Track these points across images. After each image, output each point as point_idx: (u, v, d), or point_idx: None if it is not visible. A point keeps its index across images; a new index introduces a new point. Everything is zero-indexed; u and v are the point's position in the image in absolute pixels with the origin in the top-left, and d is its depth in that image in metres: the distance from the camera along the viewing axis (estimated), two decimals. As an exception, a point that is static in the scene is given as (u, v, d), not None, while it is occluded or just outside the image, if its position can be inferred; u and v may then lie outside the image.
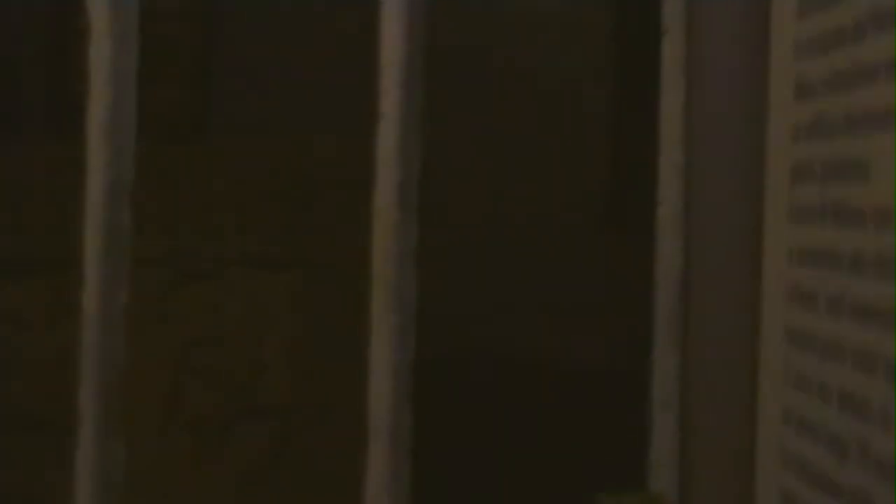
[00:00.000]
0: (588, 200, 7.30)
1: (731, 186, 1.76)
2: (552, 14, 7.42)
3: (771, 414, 1.62)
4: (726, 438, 1.75)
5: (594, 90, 7.38)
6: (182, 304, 3.72)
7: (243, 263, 3.95)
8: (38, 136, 7.12)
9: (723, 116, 1.76)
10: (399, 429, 1.78)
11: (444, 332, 6.95)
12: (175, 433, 3.34)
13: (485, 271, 7.16)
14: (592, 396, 6.02)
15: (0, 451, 3.13)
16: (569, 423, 5.90)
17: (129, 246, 1.80)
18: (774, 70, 1.64)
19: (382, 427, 1.77)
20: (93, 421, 1.78)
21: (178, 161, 3.96)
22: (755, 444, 1.70)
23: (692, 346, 1.79)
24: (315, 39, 7.25)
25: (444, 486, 4.98)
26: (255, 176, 3.97)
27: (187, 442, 3.32)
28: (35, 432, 3.27)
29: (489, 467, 5.47)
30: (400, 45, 1.77)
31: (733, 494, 1.74)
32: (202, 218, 3.95)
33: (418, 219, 1.79)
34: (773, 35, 1.65)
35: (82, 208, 1.84)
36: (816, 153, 1.53)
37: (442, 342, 6.90)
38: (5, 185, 3.85)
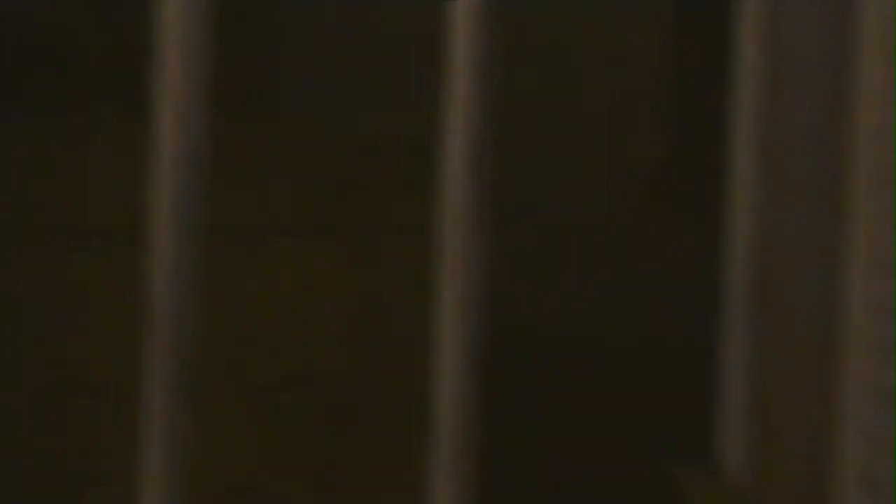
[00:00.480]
0: (648, 184, 7.24)
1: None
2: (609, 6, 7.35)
3: (853, 391, 1.59)
4: (803, 426, 1.72)
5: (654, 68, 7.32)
6: (243, 272, 3.72)
7: (304, 233, 3.93)
8: (104, 106, 7.15)
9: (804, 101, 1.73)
10: (462, 405, 1.77)
11: (505, 317, 6.93)
12: (234, 400, 3.36)
13: (545, 255, 7.14)
14: (661, 382, 5.98)
15: (66, 417, 3.17)
16: (636, 410, 5.86)
17: (198, 216, 1.81)
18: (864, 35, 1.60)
19: (445, 401, 1.76)
20: (160, 388, 1.80)
21: (243, 134, 3.97)
22: (834, 422, 1.67)
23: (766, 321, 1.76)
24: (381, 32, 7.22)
25: (509, 467, 4.95)
26: (320, 148, 3.96)
27: (247, 408, 3.34)
28: (101, 398, 3.30)
29: (555, 449, 5.43)
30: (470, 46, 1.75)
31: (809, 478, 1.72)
32: (263, 187, 3.94)
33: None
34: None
35: (150, 178, 1.84)
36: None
37: (503, 326, 6.88)
38: (70, 155, 3.86)
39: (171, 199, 1.78)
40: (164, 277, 1.76)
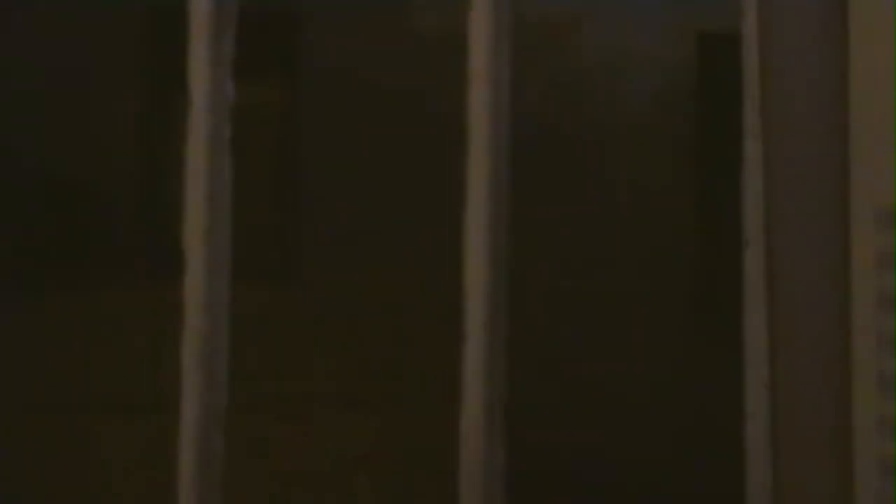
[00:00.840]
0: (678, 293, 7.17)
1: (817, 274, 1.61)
2: (633, 124, 7.37)
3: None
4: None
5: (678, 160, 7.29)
6: (275, 444, 3.64)
7: (333, 404, 3.85)
8: (135, 277, 7.16)
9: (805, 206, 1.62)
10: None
11: (536, 437, 6.82)
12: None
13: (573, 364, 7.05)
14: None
15: None
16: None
17: (226, 390, 1.71)
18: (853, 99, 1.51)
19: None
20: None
21: (267, 303, 3.91)
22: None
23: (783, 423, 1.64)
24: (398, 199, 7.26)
25: None
26: (343, 315, 3.91)
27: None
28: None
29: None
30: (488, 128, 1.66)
31: None
32: (291, 360, 3.88)
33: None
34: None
35: (179, 352, 1.76)
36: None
37: (534, 448, 6.76)
38: (104, 325, 3.81)
39: (200, 373, 1.69)
40: (193, 453, 1.66)
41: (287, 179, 7.20)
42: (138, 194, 6.83)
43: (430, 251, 6.78)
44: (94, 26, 6.98)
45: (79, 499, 3.72)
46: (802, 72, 1.57)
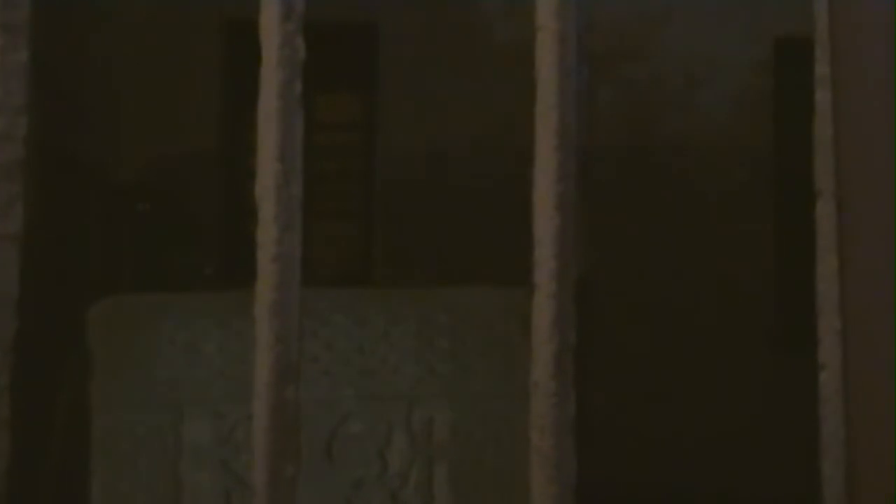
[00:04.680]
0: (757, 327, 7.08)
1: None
2: (712, 133, 7.32)
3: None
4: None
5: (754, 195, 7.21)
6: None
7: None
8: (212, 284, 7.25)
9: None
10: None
11: (616, 461, 6.77)
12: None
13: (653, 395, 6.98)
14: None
15: None
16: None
17: (296, 342, 1.73)
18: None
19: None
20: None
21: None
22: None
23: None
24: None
25: None
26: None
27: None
28: None
29: None
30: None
31: None
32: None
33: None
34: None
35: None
36: None
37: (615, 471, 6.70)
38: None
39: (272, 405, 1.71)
40: (265, 481, 1.68)
41: (364, 191, 7.24)
42: (220, 201, 6.91)
43: (500, 268, 6.78)
44: (174, 33, 7.09)
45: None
46: (874, 21, 1.57)
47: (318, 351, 3.86)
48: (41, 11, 1.57)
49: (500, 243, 6.78)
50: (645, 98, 7.22)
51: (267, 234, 1.62)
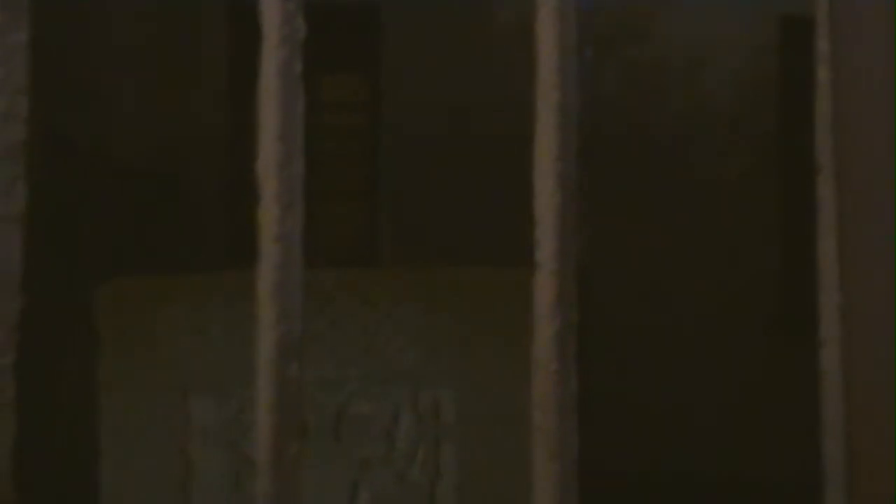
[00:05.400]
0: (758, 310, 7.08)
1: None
2: (715, 119, 7.30)
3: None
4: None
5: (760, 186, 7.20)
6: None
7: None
8: (215, 263, 7.27)
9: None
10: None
11: (623, 445, 6.78)
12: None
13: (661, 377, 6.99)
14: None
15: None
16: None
17: (300, 320, 1.74)
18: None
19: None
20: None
21: (345, 287, 3.94)
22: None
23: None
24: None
25: None
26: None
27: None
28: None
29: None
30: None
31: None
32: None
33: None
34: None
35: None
36: None
37: (621, 455, 6.71)
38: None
39: (275, 383, 1.72)
40: (268, 457, 1.69)
41: (367, 172, 7.25)
42: (224, 187, 6.91)
43: (505, 247, 6.78)
44: (179, 14, 7.08)
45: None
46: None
47: (324, 330, 3.87)
48: (43, -7, 1.57)
49: (504, 224, 6.78)
50: (648, 79, 7.21)
51: (269, 214, 1.62)
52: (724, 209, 7.11)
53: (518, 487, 3.72)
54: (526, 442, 3.79)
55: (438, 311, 3.86)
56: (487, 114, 7.00)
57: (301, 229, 1.63)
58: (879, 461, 1.55)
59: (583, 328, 6.32)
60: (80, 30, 6.58)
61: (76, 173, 6.08)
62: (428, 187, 7.18)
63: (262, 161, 1.64)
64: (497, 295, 3.86)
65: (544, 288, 1.66)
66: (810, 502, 6.04)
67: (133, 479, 3.92)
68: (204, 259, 6.85)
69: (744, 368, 6.95)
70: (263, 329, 1.61)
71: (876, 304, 1.62)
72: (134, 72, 7.00)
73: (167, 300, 3.98)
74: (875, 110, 1.58)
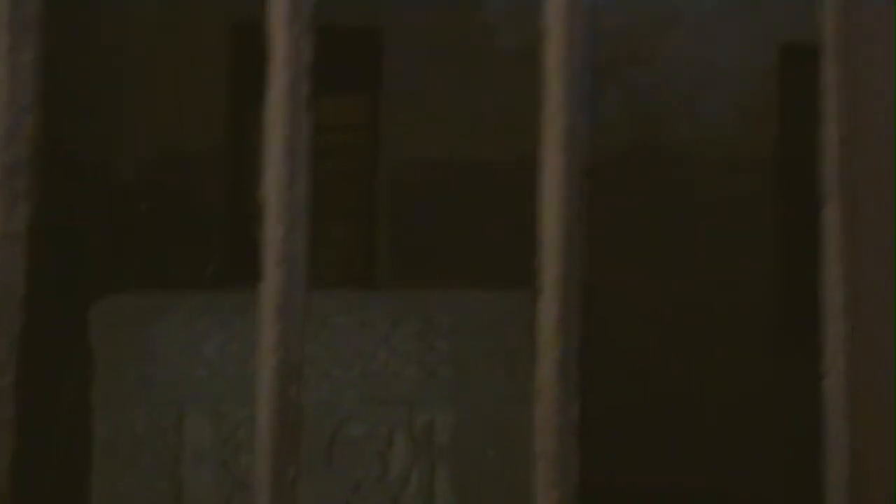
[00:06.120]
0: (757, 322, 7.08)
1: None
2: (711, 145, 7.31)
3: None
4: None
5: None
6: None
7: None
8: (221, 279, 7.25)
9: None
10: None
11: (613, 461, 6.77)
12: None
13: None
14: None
15: None
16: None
17: (302, 344, 1.73)
18: None
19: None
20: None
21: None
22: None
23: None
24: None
25: None
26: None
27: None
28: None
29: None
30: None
31: None
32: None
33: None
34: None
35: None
36: None
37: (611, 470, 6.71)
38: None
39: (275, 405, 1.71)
40: (266, 482, 1.67)
41: (368, 193, 7.24)
42: (223, 201, 6.90)
43: (504, 271, 6.78)
44: (181, 32, 7.09)
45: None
46: (881, 24, 1.57)
47: (320, 353, 3.86)
48: (48, 9, 1.57)
49: (503, 247, 6.78)
50: (649, 104, 7.22)
51: (272, 235, 1.61)
52: (725, 232, 7.11)
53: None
54: (521, 467, 3.76)
55: (436, 333, 3.84)
56: (489, 136, 7.01)
57: (305, 252, 1.62)
58: (883, 485, 1.55)
59: (583, 349, 6.32)
60: (83, 45, 6.58)
61: (78, 190, 6.08)
62: (427, 210, 7.18)
63: (266, 182, 1.63)
64: (495, 318, 3.85)
65: (547, 313, 1.65)
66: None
67: (123, 499, 3.91)
68: (203, 277, 6.84)
69: (744, 388, 6.94)
70: (264, 352, 1.61)
71: (881, 335, 1.61)
72: (136, 88, 7.00)
73: (163, 318, 3.97)
74: (884, 135, 1.57)
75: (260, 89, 1.67)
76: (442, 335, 3.85)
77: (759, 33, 7.24)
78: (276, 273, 1.60)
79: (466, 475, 3.79)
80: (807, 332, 6.99)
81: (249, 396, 1.84)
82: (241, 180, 7.12)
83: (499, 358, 3.82)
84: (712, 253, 7.13)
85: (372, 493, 3.87)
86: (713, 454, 6.83)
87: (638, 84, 7.21)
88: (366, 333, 3.87)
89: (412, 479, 3.84)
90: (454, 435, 3.81)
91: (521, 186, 6.59)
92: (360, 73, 7.35)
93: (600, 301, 6.88)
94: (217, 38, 7.13)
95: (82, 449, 3.84)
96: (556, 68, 1.66)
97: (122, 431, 3.95)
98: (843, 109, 1.55)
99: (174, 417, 3.95)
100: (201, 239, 6.89)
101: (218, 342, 3.93)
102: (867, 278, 1.54)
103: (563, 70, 1.66)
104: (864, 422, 1.54)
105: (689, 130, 7.16)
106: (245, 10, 4.96)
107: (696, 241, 7.16)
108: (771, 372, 6.93)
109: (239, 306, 3.89)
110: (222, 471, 3.95)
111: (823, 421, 1.57)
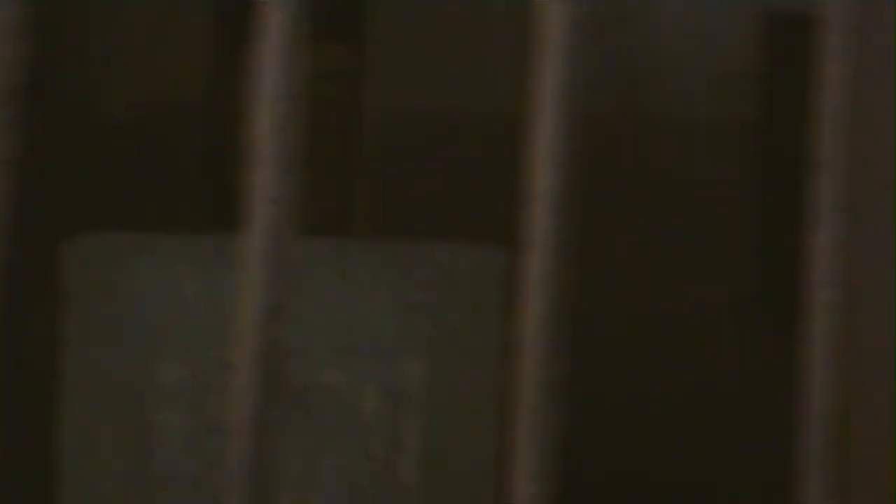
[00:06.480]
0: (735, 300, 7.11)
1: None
2: (691, 120, 7.31)
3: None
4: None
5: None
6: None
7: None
8: (195, 226, 7.24)
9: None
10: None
11: (593, 446, 6.81)
12: None
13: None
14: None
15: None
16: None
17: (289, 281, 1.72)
18: None
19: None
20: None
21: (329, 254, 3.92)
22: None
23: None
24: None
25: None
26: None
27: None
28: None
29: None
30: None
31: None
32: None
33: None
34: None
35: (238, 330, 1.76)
36: None
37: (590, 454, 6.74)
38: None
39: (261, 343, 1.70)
40: (246, 423, 1.66)
41: (347, 144, 7.22)
42: (203, 143, 6.88)
43: (486, 227, 6.77)
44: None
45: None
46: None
47: (297, 300, 3.85)
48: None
49: (486, 201, 6.77)
50: (628, 70, 7.21)
51: (263, 175, 1.60)
52: (703, 201, 7.12)
53: (482, 463, 3.71)
54: (493, 421, 3.78)
55: (413, 285, 3.84)
56: (476, 92, 6.99)
57: (293, 192, 1.61)
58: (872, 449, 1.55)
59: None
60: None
61: (59, 126, 6.03)
62: (410, 162, 7.16)
63: (259, 123, 1.62)
64: (473, 272, 3.85)
65: (534, 266, 1.64)
66: (785, 494, 6.09)
67: (91, 438, 3.89)
68: (182, 222, 6.82)
69: (721, 364, 6.97)
70: (251, 290, 1.60)
71: (867, 303, 1.61)
72: (125, 32, 6.95)
73: (138, 259, 3.95)
74: (880, 106, 1.57)
75: (242, 37, 1.65)
76: (419, 287, 3.84)
77: (742, 2, 7.22)
78: (264, 212, 1.58)
79: (438, 428, 3.80)
80: (783, 306, 7.02)
81: (222, 340, 1.82)
82: (219, 128, 7.09)
83: (476, 311, 3.82)
84: (689, 221, 7.13)
85: (343, 441, 3.87)
86: (685, 429, 6.87)
87: (616, 52, 7.19)
88: (343, 283, 3.86)
89: (383, 429, 3.85)
90: (428, 387, 3.82)
91: (506, 140, 6.57)
92: (345, 23, 7.30)
93: (574, 279, 6.88)
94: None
95: (50, 385, 3.83)
96: (550, 23, 1.65)
97: (91, 370, 3.93)
98: (843, 79, 1.55)
99: (146, 358, 3.94)
100: (178, 184, 6.87)
101: (194, 285, 3.92)
102: (859, 246, 1.54)
103: (561, 24, 1.65)
104: (850, 391, 1.54)
105: (671, 95, 7.15)
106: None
107: (673, 207, 7.17)
108: (747, 346, 6.96)
109: (216, 251, 3.87)
110: (191, 413, 3.94)
111: (799, 397, 1.56)
